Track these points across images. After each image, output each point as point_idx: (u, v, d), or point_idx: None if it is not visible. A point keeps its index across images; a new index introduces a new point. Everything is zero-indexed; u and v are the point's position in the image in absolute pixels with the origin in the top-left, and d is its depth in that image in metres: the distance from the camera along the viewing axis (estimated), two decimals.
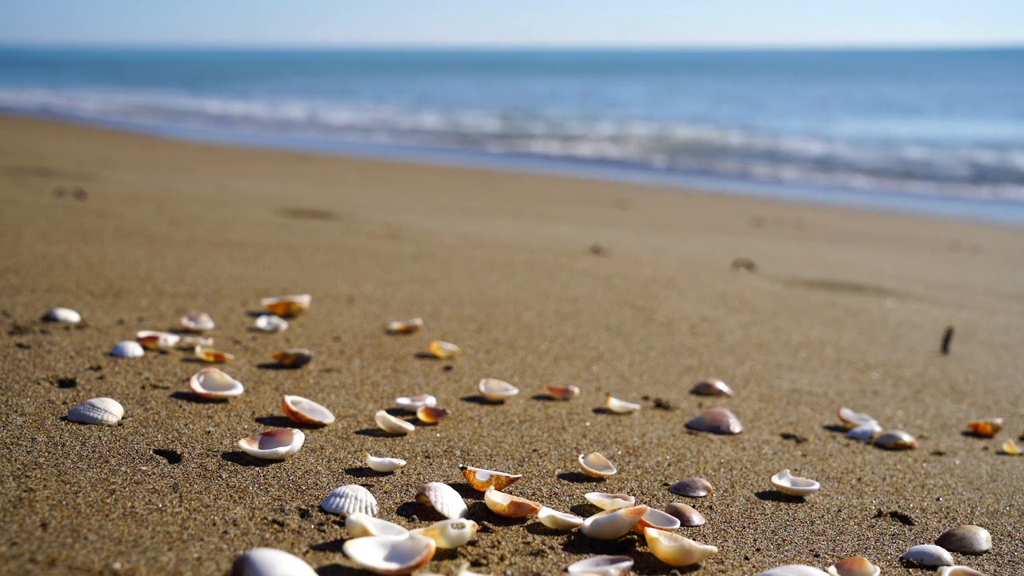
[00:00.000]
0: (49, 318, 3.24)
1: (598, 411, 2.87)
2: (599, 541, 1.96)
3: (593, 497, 2.14)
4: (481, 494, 2.14)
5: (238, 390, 2.64)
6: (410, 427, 2.52)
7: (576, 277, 5.00)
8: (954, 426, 3.06)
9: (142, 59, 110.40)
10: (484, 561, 1.82)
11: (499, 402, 2.87)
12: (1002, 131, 23.94)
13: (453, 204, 9.07)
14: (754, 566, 1.93)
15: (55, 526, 1.77)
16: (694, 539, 2.03)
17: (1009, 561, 2.08)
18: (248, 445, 2.23)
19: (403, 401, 2.71)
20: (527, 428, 2.66)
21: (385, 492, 2.12)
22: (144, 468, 2.10)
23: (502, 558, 1.84)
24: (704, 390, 3.14)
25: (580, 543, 1.95)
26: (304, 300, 3.67)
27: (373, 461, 2.23)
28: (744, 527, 2.13)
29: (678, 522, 2.06)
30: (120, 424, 2.35)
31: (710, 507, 2.22)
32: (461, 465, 2.33)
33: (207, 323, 3.34)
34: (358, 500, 1.99)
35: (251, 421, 2.49)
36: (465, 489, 2.16)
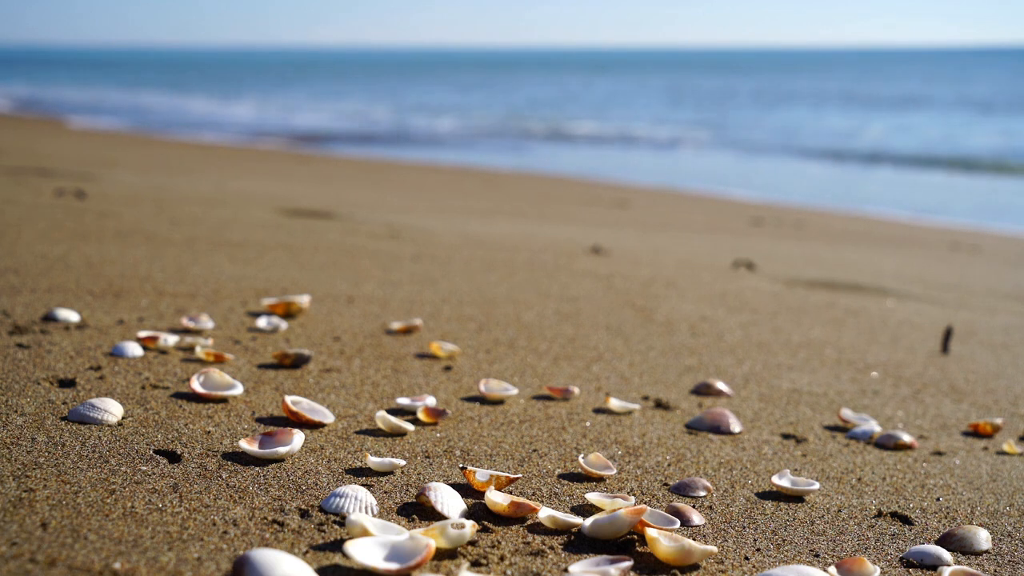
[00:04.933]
0: (49, 318, 3.24)
1: (598, 411, 2.87)
2: (599, 541, 1.96)
3: (593, 497, 2.14)
4: (481, 494, 2.14)
5: (238, 390, 2.64)
6: (410, 427, 2.52)
7: (576, 277, 4.99)
8: (954, 426, 3.06)
9: (142, 59, 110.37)
10: (484, 561, 1.82)
11: (499, 402, 2.87)
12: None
13: (453, 204, 9.07)
14: (754, 566, 1.93)
15: (55, 526, 1.77)
16: (694, 539, 2.03)
17: (1009, 561, 2.08)
18: (248, 445, 2.23)
19: (403, 401, 2.71)
20: (527, 428, 2.66)
21: (385, 492, 2.12)
22: (144, 468, 2.10)
23: (502, 558, 1.84)
24: (704, 390, 3.14)
25: (580, 543, 1.95)
26: (304, 300, 3.67)
27: (373, 461, 2.23)
28: (744, 527, 2.13)
29: (678, 522, 2.06)
30: (120, 424, 2.35)
31: (710, 507, 2.22)
32: (461, 465, 2.33)
33: (207, 323, 3.34)
34: (358, 500, 2.00)
35: (251, 421, 2.49)
36: (465, 489, 2.16)
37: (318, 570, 1.73)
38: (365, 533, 1.81)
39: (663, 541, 1.89)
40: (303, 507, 1.99)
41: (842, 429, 2.91)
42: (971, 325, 4.67)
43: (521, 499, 2.04)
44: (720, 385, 3.17)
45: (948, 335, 4.07)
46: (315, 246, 5.29)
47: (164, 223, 5.62)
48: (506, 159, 17.77)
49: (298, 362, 3.01)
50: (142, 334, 3.04)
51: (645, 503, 2.21)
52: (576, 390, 2.98)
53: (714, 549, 1.91)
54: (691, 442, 2.66)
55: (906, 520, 2.25)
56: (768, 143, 21.67)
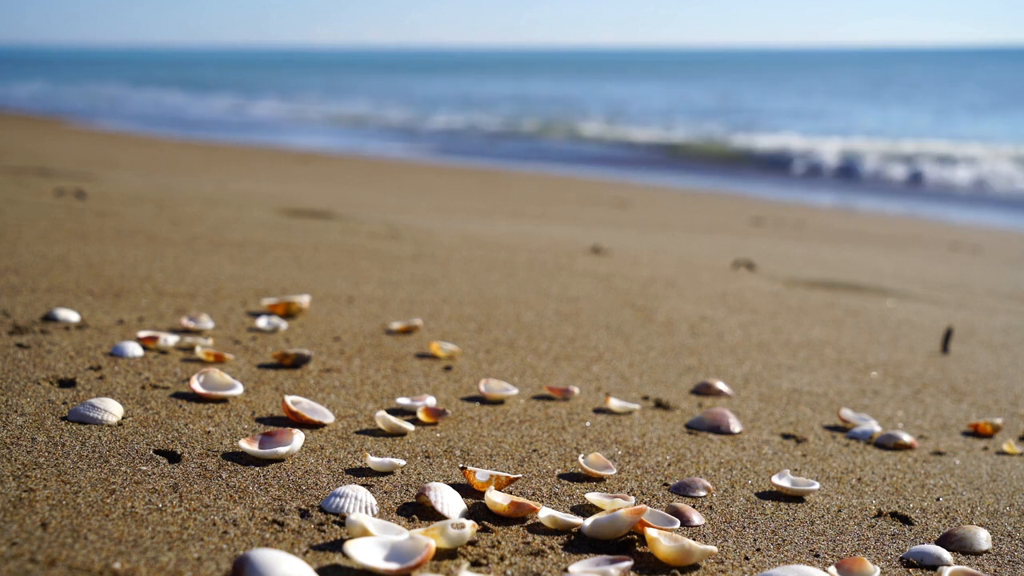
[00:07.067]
0: (49, 318, 3.24)
1: (598, 411, 2.87)
2: (599, 541, 1.96)
3: (593, 497, 2.14)
4: (481, 494, 2.14)
5: (238, 390, 2.64)
6: (410, 427, 2.52)
7: (576, 277, 4.99)
8: (954, 426, 3.06)
9: (142, 59, 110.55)
10: (484, 561, 1.82)
11: (499, 402, 2.87)
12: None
13: (453, 204, 9.07)
14: (754, 566, 1.93)
15: (55, 526, 1.77)
16: (694, 539, 2.03)
17: (1009, 561, 2.08)
18: (248, 445, 2.23)
19: (403, 401, 2.71)
20: (527, 428, 2.66)
21: (385, 492, 2.13)
22: (144, 468, 2.10)
23: (502, 558, 1.84)
24: (704, 390, 3.14)
25: (580, 543, 1.95)
26: (304, 300, 3.67)
27: (373, 461, 2.23)
28: (744, 527, 2.13)
29: (678, 522, 2.06)
30: (120, 424, 2.35)
31: (710, 507, 2.22)
32: (461, 465, 2.33)
33: (207, 323, 3.34)
34: (358, 500, 2.00)
35: (251, 421, 2.49)
36: (465, 489, 2.16)
37: (318, 570, 1.73)
38: (365, 533, 1.82)
39: (663, 541, 1.89)
40: (303, 507, 1.99)
41: (842, 429, 2.91)
42: (971, 325, 4.67)
43: (521, 499, 2.04)
44: (720, 385, 3.17)
45: (948, 335, 4.07)
46: (315, 246, 5.29)
47: (164, 223, 5.62)
48: (512, 160, 17.77)
49: (298, 362, 3.01)
50: (142, 334, 3.04)
51: (645, 503, 2.21)
52: (576, 390, 2.98)
53: (714, 549, 1.91)
54: (691, 442, 2.66)
55: (906, 520, 2.25)
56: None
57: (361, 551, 1.73)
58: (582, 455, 2.39)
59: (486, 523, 1.98)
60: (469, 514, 2.04)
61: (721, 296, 4.80)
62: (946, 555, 2.02)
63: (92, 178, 8.20)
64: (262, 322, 3.43)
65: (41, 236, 4.76)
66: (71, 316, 3.27)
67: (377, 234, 6.00)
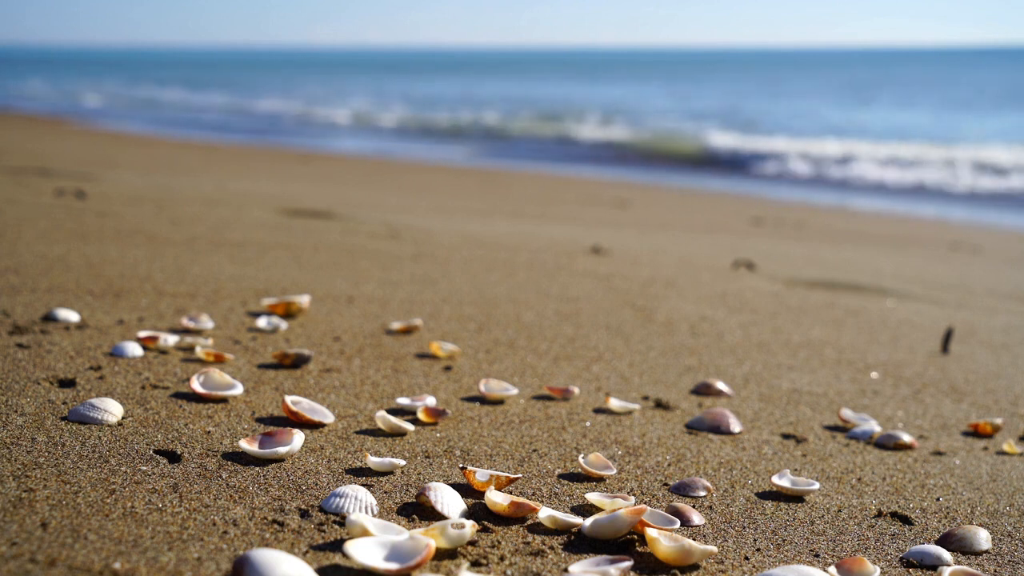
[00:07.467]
0: (49, 318, 3.24)
1: (598, 411, 2.87)
2: (599, 541, 1.96)
3: (593, 497, 2.14)
4: (481, 494, 2.14)
5: (238, 390, 2.64)
6: (410, 427, 2.52)
7: (576, 277, 4.99)
8: (954, 426, 3.06)
9: (142, 59, 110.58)
10: (484, 561, 1.82)
11: (499, 402, 2.87)
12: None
13: (453, 204, 9.07)
14: (754, 566, 1.93)
15: (55, 526, 1.77)
16: (694, 539, 2.03)
17: (1009, 561, 2.08)
18: (248, 445, 2.23)
19: (403, 401, 2.71)
20: (527, 428, 2.66)
21: (385, 492, 2.13)
22: (144, 468, 2.10)
23: (502, 558, 1.84)
24: (704, 390, 3.14)
25: (580, 543, 1.95)
26: (304, 300, 3.67)
27: (373, 461, 2.23)
28: (744, 527, 2.13)
29: (678, 522, 2.06)
30: (120, 424, 2.35)
31: (710, 507, 2.22)
32: (461, 465, 2.33)
33: (207, 323, 3.34)
34: (358, 500, 2.00)
35: (251, 421, 2.49)
36: (465, 489, 2.16)
37: (318, 570, 1.73)
38: (365, 533, 1.82)
39: (663, 541, 1.89)
40: (303, 507, 1.99)
41: (842, 429, 2.91)
42: (971, 325, 4.67)
43: (521, 499, 2.04)
44: (720, 385, 3.17)
45: (948, 335, 4.07)
46: (315, 246, 5.29)
47: (164, 223, 5.62)
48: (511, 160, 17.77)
49: (298, 362, 3.01)
50: (142, 334, 3.04)
51: (645, 503, 2.21)
52: (576, 390, 2.98)
53: (714, 549, 1.91)
54: (691, 442, 2.66)
55: (906, 520, 2.25)
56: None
57: (361, 551, 1.74)
58: (582, 455, 2.39)
59: (486, 523, 1.98)
60: (469, 514, 2.04)
61: (721, 296, 4.80)
62: (946, 555, 2.02)
63: (92, 178, 8.20)
64: (262, 322, 3.43)
65: (41, 236, 4.76)
66: (71, 316, 3.27)
67: (377, 234, 6.00)
